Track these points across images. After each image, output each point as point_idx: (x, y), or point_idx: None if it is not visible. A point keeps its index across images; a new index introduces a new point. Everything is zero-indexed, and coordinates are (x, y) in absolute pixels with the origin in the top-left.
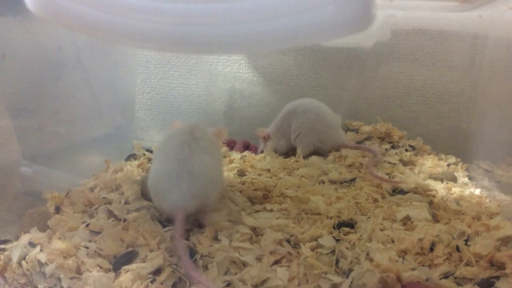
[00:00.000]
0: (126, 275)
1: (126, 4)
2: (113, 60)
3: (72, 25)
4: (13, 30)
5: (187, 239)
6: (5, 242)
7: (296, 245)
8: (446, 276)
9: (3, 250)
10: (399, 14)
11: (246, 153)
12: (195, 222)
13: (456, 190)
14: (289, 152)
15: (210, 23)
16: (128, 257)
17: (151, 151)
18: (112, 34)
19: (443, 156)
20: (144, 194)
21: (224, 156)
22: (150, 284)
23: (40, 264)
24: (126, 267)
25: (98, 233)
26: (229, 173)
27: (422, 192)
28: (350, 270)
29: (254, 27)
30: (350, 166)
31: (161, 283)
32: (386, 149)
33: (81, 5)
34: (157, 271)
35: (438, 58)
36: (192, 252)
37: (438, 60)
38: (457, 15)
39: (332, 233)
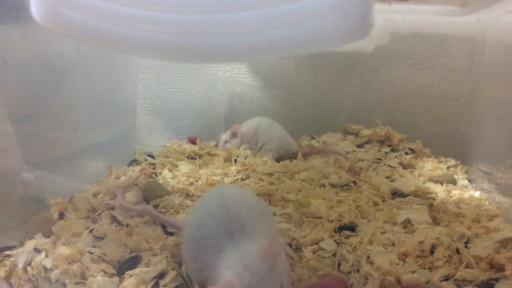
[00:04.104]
0: (130, 280)
1: (131, 15)
2: (114, 66)
3: (78, 35)
4: (14, 37)
5: None
6: (10, 248)
7: (297, 249)
8: (446, 278)
9: (8, 256)
10: (397, 18)
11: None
12: None
13: (455, 193)
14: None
15: (211, 32)
16: (132, 262)
17: (152, 156)
18: (116, 44)
19: (442, 159)
20: (147, 199)
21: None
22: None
23: (46, 269)
24: (130, 272)
25: (101, 238)
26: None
27: (422, 195)
28: (351, 273)
29: (255, 36)
30: (350, 170)
31: (164, 287)
32: (386, 152)
33: (87, 16)
34: (161, 276)
35: (437, 61)
36: None
37: (437, 64)
38: (455, 19)
39: (333, 237)
